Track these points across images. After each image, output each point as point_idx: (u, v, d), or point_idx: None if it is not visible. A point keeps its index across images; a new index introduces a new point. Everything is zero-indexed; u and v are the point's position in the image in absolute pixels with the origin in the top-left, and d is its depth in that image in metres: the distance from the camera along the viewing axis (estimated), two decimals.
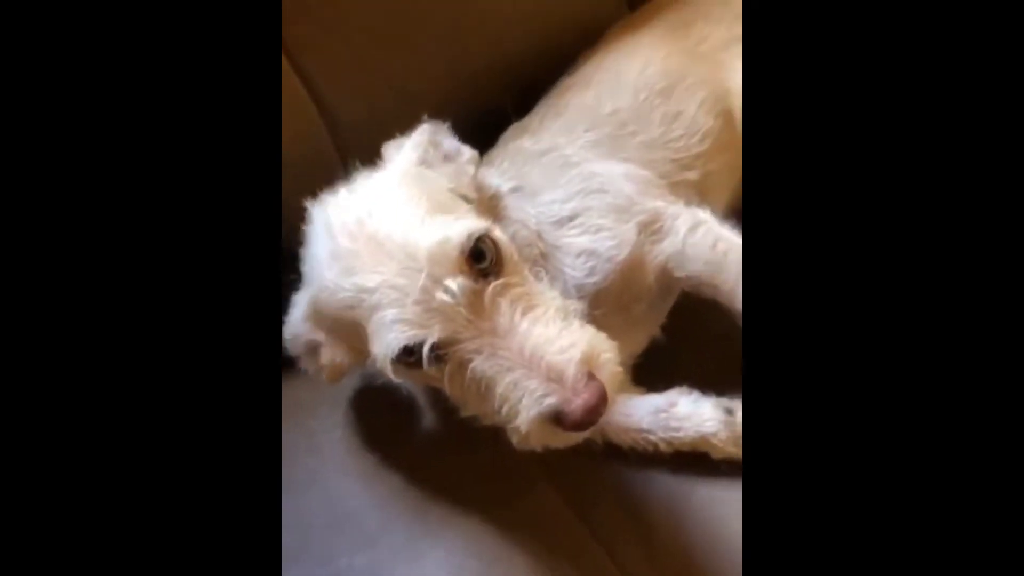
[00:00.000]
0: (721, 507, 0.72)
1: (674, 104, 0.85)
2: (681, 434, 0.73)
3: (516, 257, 0.64)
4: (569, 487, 0.73)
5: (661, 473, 0.74)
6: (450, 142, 0.73)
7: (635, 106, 0.84)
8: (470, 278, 0.60)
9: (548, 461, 0.68)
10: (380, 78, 0.84)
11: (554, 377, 0.58)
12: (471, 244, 0.60)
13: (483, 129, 0.80)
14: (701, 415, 0.73)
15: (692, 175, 0.83)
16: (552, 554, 0.69)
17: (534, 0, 0.94)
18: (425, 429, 0.79)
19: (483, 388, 0.60)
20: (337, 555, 0.69)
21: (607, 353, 0.61)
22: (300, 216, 0.69)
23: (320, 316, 0.66)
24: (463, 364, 0.60)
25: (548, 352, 0.58)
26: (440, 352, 0.60)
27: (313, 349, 0.69)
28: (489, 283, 0.60)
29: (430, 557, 0.69)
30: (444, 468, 0.75)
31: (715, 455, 0.73)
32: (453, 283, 0.59)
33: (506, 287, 0.61)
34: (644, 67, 0.86)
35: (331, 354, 0.68)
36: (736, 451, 0.73)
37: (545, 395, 0.57)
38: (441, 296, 0.59)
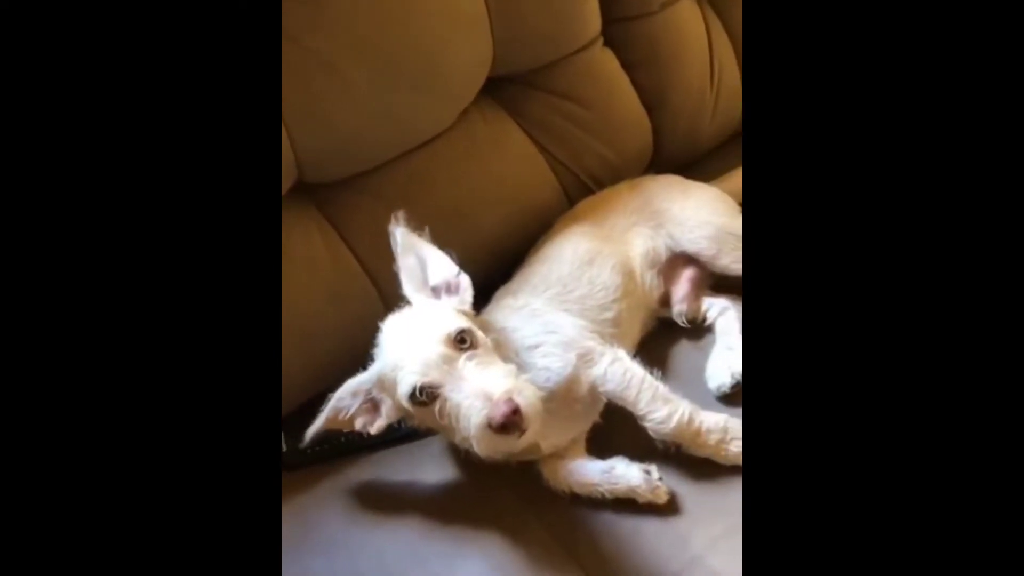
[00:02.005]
0: (639, 532, 1.05)
1: (595, 270, 1.22)
2: (618, 487, 1.06)
3: (489, 345, 1.02)
4: (551, 524, 1.07)
5: (606, 511, 1.06)
6: (454, 275, 1.10)
7: (571, 272, 1.21)
8: (453, 349, 0.97)
9: (536, 505, 1.07)
10: None
11: (487, 398, 0.93)
12: (456, 333, 0.98)
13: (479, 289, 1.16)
14: (630, 475, 1.06)
15: (609, 314, 1.20)
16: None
17: (509, 203, 1.35)
18: (431, 496, 1.13)
19: (454, 414, 0.95)
20: None
21: (526, 389, 0.96)
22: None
23: (380, 382, 1.03)
24: (444, 399, 0.96)
25: (486, 386, 0.94)
26: (431, 392, 0.96)
27: (372, 403, 1.04)
28: (463, 353, 0.98)
29: None
30: (452, 518, 1.09)
31: (640, 501, 1.05)
32: (439, 349, 0.97)
33: (474, 356, 0.98)
34: (576, 247, 1.24)
35: (388, 408, 1.04)
36: (653, 498, 1.05)
37: (481, 409, 0.93)
38: (433, 356, 0.96)
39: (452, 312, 1.04)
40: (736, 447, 1.07)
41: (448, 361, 0.97)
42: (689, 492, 1.08)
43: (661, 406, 1.07)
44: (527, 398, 0.94)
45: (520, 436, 0.94)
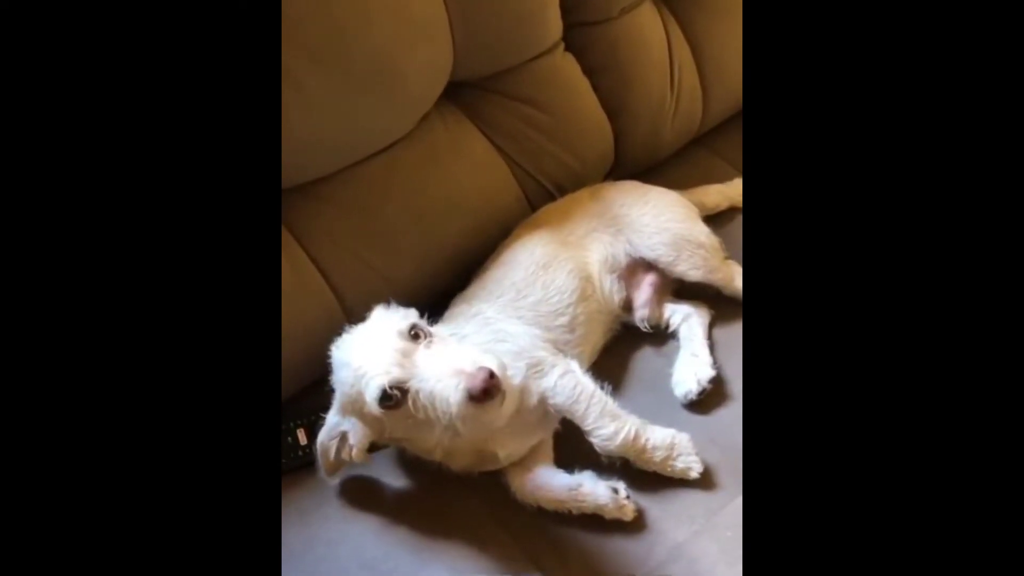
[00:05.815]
0: (604, 542, 1.04)
1: (551, 274, 1.20)
2: (585, 504, 1.05)
3: (443, 335, 1.01)
4: (516, 533, 1.06)
5: (571, 522, 1.06)
6: (402, 311, 1.05)
7: (525, 278, 1.20)
8: (409, 344, 0.95)
9: (501, 514, 1.05)
10: (375, 272, 1.21)
11: (458, 373, 0.91)
12: (408, 328, 0.96)
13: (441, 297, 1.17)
14: (597, 493, 1.05)
15: (564, 320, 1.19)
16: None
17: (470, 209, 1.32)
18: (394, 506, 1.11)
19: (428, 403, 0.92)
20: None
21: (490, 356, 0.94)
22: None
23: (344, 407, 0.99)
24: (415, 392, 0.93)
25: (453, 363, 0.92)
26: (401, 389, 0.93)
27: (343, 436, 1.01)
28: (419, 345, 0.96)
29: None
30: (415, 528, 1.08)
31: (606, 516, 1.05)
32: (395, 345, 0.94)
33: (430, 344, 0.96)
34: (532, 252, 1.23)
35: (357, 433, 1.00)
36: (620, 515, 1.04)
37: (457, 384, 0.91)
38: (392, 352, 0.94)
39: (399, 314, 1.02)
40: (682, 463, 1.08)
41: (407, 355, 0.94)
42: (653, 500, 1.07)
43: (608, 423, 1.07)
44: (496, 362, 0.93)
45: (502, 402, 0.92)
